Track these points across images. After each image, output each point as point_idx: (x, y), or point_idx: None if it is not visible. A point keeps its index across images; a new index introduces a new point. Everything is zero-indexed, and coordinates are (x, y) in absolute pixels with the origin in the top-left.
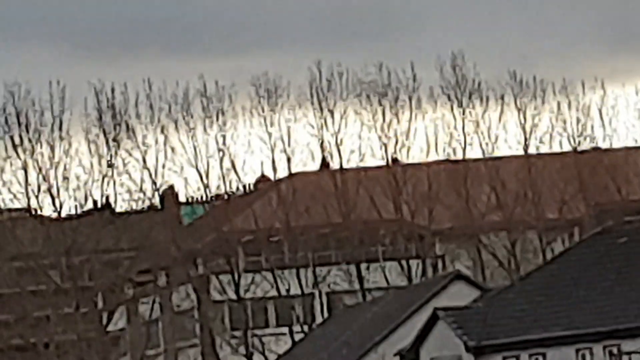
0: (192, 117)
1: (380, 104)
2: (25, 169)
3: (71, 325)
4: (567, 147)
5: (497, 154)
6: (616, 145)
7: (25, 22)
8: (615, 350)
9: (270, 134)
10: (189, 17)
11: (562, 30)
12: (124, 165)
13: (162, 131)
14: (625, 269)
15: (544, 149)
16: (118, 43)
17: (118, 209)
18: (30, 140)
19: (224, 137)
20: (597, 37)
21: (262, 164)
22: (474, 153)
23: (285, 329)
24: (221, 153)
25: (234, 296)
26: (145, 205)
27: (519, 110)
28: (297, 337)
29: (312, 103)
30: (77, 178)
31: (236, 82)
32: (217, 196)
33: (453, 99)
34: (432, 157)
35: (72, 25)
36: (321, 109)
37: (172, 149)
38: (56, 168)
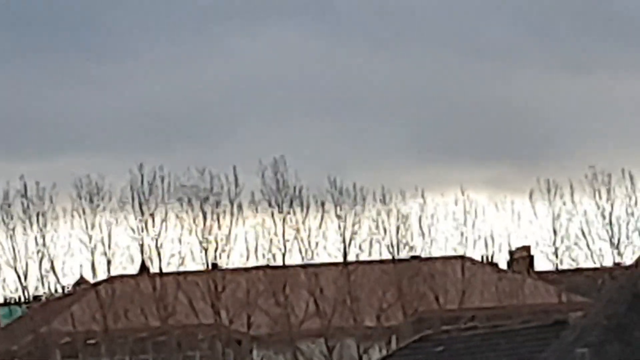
0: (12, 217)
1: (202, 209)
2: None
3: None
4: (386, 255)
5: (316, 260)
6: (435, 254)
7: None
8: None
9: (90, 237)
10: (10, 118)
11: (378, 139)
12: None
13: None
14: None
15: (363, 257)
16: None
17: None
18: None
19: (43, 238)
20: (416, 147)
21: (81, 266)
22: (293, 259)
23: None
24: (40, 254)
25: None
26: None
27: (338, 217)
28: None
29: (133, 206)
30: None
31: (57, 183)
32: (36, 298)
33: (274, 205)
34: (252, 262)
35: None
36: (142, 212)
37: None
38: None
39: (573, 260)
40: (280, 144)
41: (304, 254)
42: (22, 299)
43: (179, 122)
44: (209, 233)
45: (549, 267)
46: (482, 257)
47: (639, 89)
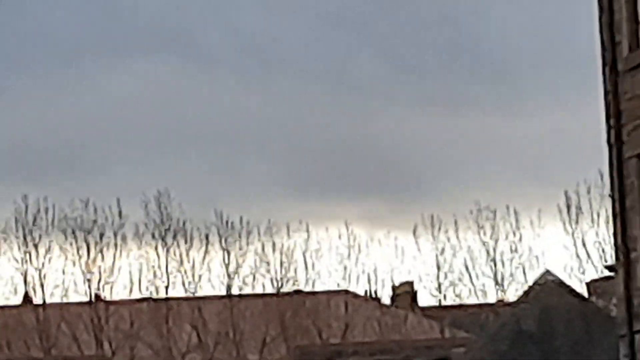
0: None
1: (85, 240)
2: None
3: None
4: (270, 289)
5: (200, 293)
6: (318, 288)
7: None
8: None
9: None
10: None
11: (256, 174)
12: None
13: None
14: None
15: (247, 290)
16: None
17: None
18: None
19: None
20: (294, 182)
21: None
22: (176, 292)
23: None
24: None
25: None
26: None
27: (223, 250)
28: None
29: (17, 237)
30: None
31: None
32: None
33: (157, 237)
34: (135, 294)
35: None
36: (26, 243)
37: None
38: None
39: (457, 295)
40: (165, 176)
41: (187, 286)
42: None
43: (60, 155)
44: (93, 264)
45: (433, 302)
46: (365, 291)
47: (505, 129)
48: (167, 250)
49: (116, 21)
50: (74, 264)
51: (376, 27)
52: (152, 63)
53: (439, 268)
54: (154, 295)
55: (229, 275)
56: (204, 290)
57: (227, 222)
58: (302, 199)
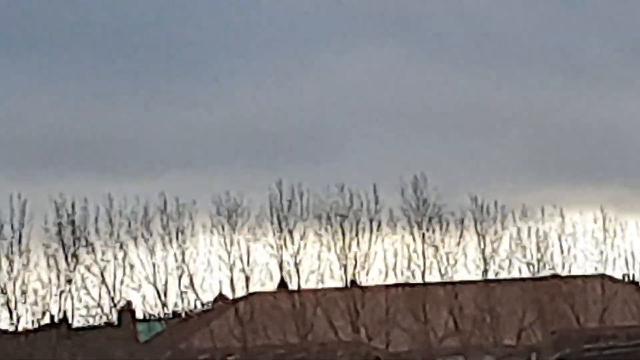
0: (151, 234)
1: (341, 226)
2: None
3: None
4: (526, 274)
5: (455, 278)
6: (575, 272)
7: None
8: None
9: (229, 253)
10: (149, 134)
11: (503, 158)
12: (82, 280)
13: (121, 247)
14: None
15: (503, 275)
16: (79, 160)
17: (75, 324)
18: None
19: (183, 254)
20: (546, 166)
21: (220, 282)
22: (432, 277)
23: None
24: (180, 270)
25: None
26: (102, 322)
27: (478, 235)
28: None
29: (272, 223)
30: (35, 292)
31: (197, 199)
32: (175, 314)
33: (413, 223)
34: (391, 280)
35: (35, 141)
36: (281, 229)
37: (131, 266)
38: (14, 282)
39: None
40: (421, 161)
41: (443, 271)
42: (162, 315)
43: (320, 139)
44: (348, 250)
45: None
46: (623, 275)
47: None
48: (423, 236)
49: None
50: (329, 249)
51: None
52: (380, 48)
53: None
54: (410, 281)
55: (484, 260)
56: (460, 275)
57: (482, 207)
58: (553, 183)
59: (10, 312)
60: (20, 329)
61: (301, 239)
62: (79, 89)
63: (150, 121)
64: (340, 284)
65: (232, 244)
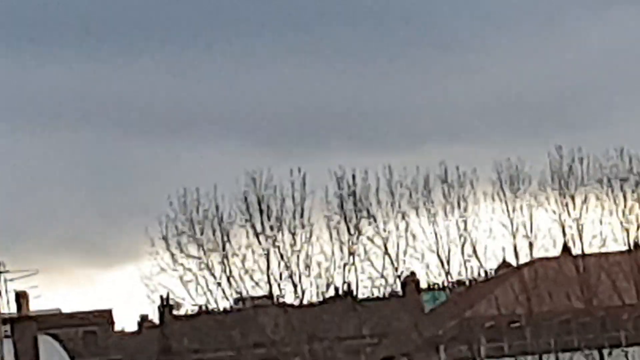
0: (432, 203)
1: (622, 189)
2: (267, 256)
3: None
4: None
5: None
6: None
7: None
8: None
9: (511, 220)
10: (431, 107)
11: None
12: (365, 252)
13: (402, 217)
14: None
15: None
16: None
17: (360, 296)
18: (271, 228)
19: (465, 222)
20: None
21: (503, 249)
22: None
23: None
24: (462, 239)
25: None
26: (386, 292)
27: None
28: None
29: (554, 188)
30: (319, 265)
31: (477, 168)
32: (459, 282)
33: None
34: None
35: (310, 117)
36: (563, 194)
37: (413, 236)
38: (298, 255)
39: None
40: None
41: None
42: (446, 284)
43: (598, 103)
44: (630, 213)
45: None
46: None
47: None
48: None
49: None
50: (610, 213)
51: None
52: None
53: None
54: None
55: None
56: None
57: None
58: None
59: (295, 285)
60: (305, 302)
61: (583, 203)
62: (357, 66)
63: (429, 94)
64: (623, 248)
65: (514, 210)
